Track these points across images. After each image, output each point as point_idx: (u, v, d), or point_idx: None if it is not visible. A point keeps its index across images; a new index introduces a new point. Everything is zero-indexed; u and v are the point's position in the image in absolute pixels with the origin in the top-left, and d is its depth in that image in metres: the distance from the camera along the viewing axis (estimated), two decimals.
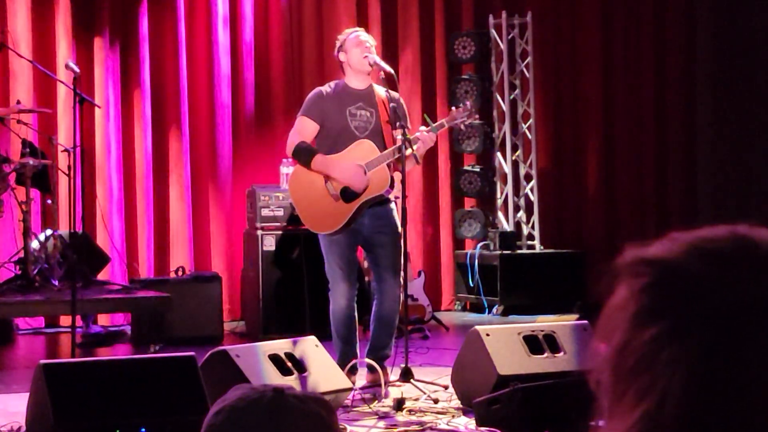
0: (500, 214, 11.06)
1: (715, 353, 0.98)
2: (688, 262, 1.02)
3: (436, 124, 6.84)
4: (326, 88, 6.82)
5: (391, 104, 6.66)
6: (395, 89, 6.83)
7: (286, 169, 8.86)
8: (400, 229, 6.72)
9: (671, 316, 1.00)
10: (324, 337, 6.69)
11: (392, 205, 6.83)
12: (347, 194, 6.65)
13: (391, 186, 6.70)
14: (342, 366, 6.39)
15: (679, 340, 0.99)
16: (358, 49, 6.69)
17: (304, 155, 6.68)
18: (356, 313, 6.77)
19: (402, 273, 6.79)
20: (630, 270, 1.04)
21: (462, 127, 7.35)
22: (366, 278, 8.75)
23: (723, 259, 1.02)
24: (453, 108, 7.17)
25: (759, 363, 0.98)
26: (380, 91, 6.79)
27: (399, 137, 6.54)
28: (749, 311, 0.99)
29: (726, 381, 0.98)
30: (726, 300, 1.00)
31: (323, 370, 6.06)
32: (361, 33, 6.84)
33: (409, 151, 6.57)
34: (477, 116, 7.38)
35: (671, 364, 0.99)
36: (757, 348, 0.98)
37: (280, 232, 9.06)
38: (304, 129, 6.75)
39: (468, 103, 7.34)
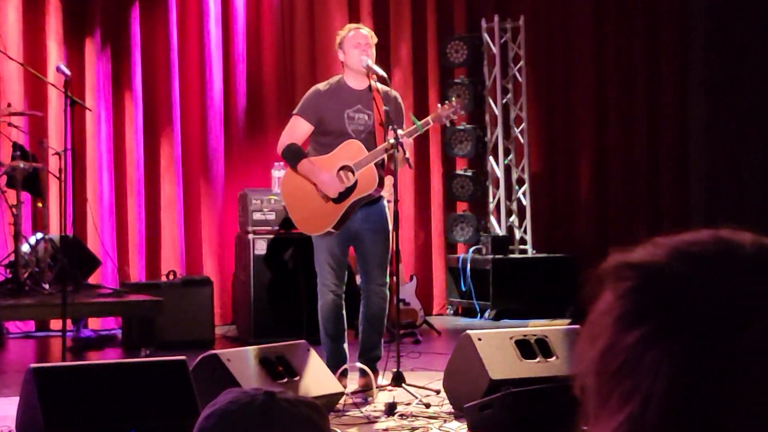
0: (492, 219, 11.05)
1: (699, 356, 0.98)
2: (671, 265, 1.02)
3: (421, 121, 6.82)
4: (324, 86, 6.79)
5: (385, 107, 6.64)
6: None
7: (278, 172, 8.85)
8: (390, 227, 6.72)
9: (655, 319, 1.00)
10: (315, 342, 6.68)
11: (384, 203, 6.83)
12: (338, 194, 6.65)
13: (380, 185, 6.70)
14: (331, 365, 6.38)
15: (663, 343, 0.99)
16: (356, 51, 6.67)
17: (291, 157, 6.70)
18: (344, 312, 6.76)
19: (394, 276, 6.78)
20: (613, 274, 1.05)
21: (447, 123, 7.37)
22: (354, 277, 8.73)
23: (706, 262, 1.02)
24: (439, 105, 7.17)
25: (742, 366, 0.98)
26: (379, 87, 6.77)
27: (391, 140, 6.53)
28: (732, 314, 0.99)
29: (709, 384, 0.98)
30: (709, 303, 1.00)
31: (314, 375, 6.05)
32: (359, 31, 6.76)
33: (401, 155, 6.55)
34: (463, 112, 7.36)
35: (655, 367, 0.99)
36: (740, 351, 0.98)
37: (271, 236, 9.04)
38: (297, 130, 6.74)
39: (454, 99, 7.33)
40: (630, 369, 1.00)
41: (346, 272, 6.85)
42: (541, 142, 11.49)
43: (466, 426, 5.59)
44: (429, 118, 6.97)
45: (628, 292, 1.03)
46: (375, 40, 6.81)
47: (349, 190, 6.66)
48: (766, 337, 0.98)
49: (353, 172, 6.64)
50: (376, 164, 6.66)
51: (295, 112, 6.81)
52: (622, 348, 1.01)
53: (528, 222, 11.05)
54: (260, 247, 9.02)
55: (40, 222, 8.93)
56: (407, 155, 6.58)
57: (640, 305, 1.02)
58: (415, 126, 6.74)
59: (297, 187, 6.72)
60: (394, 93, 6.82)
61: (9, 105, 8.88)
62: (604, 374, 1.02)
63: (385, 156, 6.67)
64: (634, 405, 0.99)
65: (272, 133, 9.86)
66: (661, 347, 0.99)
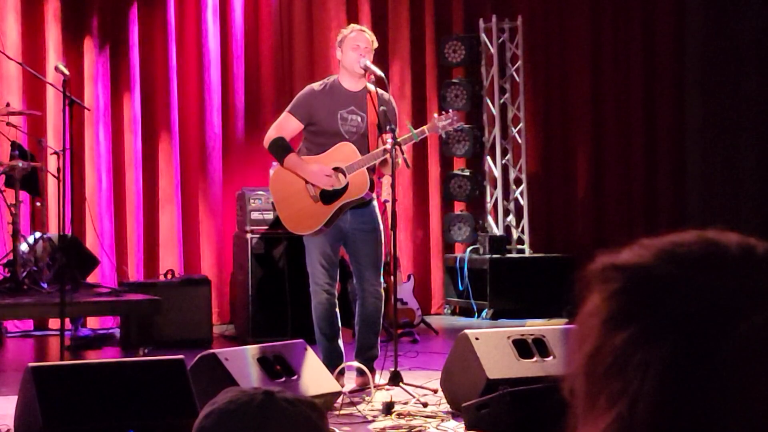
0: (490, 218, 11.06)
1: (686, 356, 0.99)
2: (657, 266, 1.03)
3: (417, 130, 6.83)
4: (318, 86, 6.79)
5: (381, 107, 6.65)
6: (385, 91, 6.83)
7: None
8: (381, 228, 6.73)
9: (642, 320, 1.01)
10: (313, 341, 6.69)
11: (374, 204, 6.83)
12: (326, 196, 6.65)
13: (371, 189, 6.71)
14: (327, 364, 6.39)
15: (650, 343, 1.00)
16: (354, 53, 6.66)
17: (279, 151, 6.69)
18: (338, 310, 6.77)
19: (392, 276, 6.79)
20: (601, 276, 1.06)
21: (443, 134, 7.36)
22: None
23: (692, 263, 1.03)
24: (435, 115, 7.18)
25: (728, 366, 0.99)
26: (373, 89, 6.77)
27: (389, 141, 6.53)
28: (718, 315, 1.00)
29: (696, 384, 0.99)
30: (695, 304, 1.01)
31: (312, 374, 6.06)
32: (362, 34, 6.76)
33: (399, 159, 6.56)
34: (459, 123, 7.34)
35: (642, 367, 0.99)
36: (726, 351, 0.99)
37: (269, 236, 9.05)
38: (287, 126, 6.75)
39: (451, 111, 7.35)
40: (618, 370, 1.01)
41: (338, 271, 6.85)
42: (539, 142, 11.51)
43: (463, 425, 5.60)
44: (425, 127, 6.97)
45: (615, 293, 1.04)
46: (376, 45, 6.81)
47: (339, 193, 6.66)
48: (752, 337, 0.99)
49: (345, 175, 6.65)
50: (367, 168, 6.66)
51: (287, 109, 6.82)
52: (609, 349, 1.02)
53: (525, 222, 11.06)
54: (258, 247, 9.03)
55: (38, 221, 8.93)
56: (405, 155, 6.60)
57: (627, 307, 1.03)
58: (410, 134, 6.74)
59: (286, 185, 6.72)
60: (388, 96, 6.82)
61: (8, 104, 8.89)
62: (592, 375, 1.03)
63: (377, 161, 6.67)
64: (622, 406, 1.00)
65: None
66: (648, 348, 1.00)
